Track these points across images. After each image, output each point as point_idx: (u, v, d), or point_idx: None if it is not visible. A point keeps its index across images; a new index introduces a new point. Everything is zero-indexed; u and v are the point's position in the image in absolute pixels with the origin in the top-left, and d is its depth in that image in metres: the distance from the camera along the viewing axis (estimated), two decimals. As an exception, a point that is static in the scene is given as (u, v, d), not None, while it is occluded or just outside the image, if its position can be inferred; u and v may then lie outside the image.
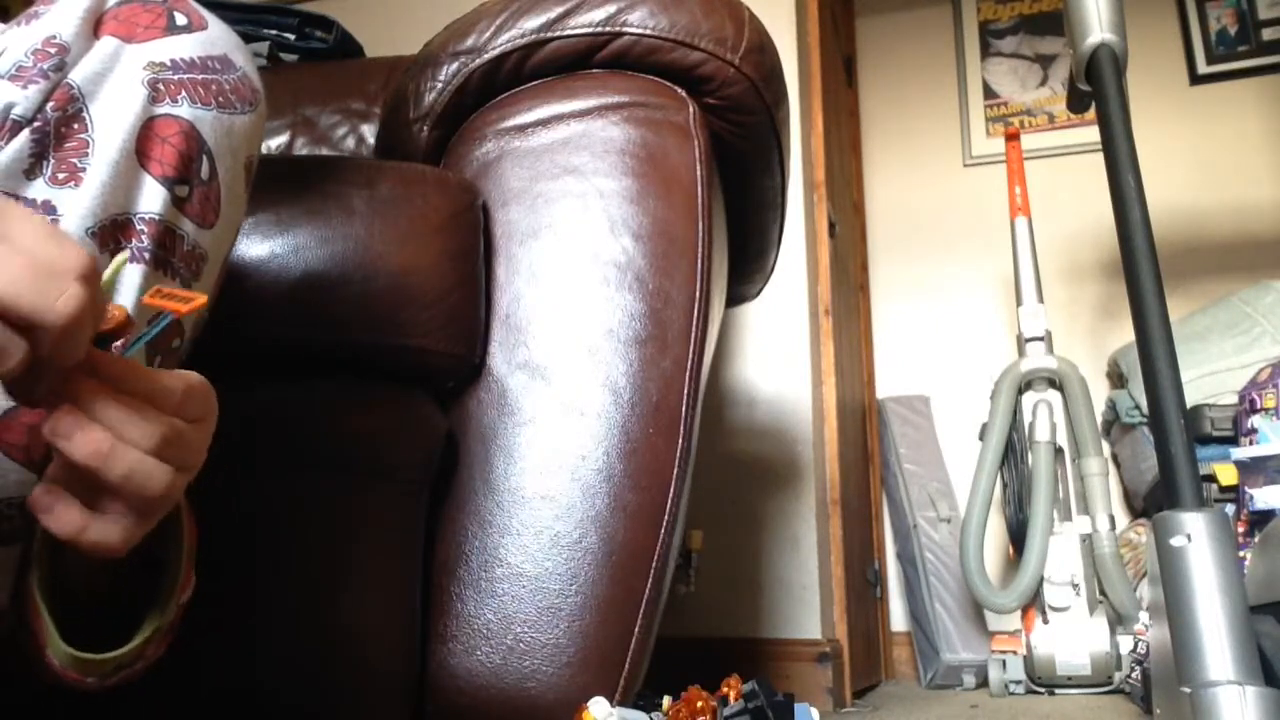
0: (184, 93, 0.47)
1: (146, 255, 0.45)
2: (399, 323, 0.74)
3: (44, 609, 0.42)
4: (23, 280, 0.32)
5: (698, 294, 0.82)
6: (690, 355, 0.81)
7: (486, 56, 0.88)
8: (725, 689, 0.67)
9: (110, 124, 0.44)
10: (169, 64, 0.46)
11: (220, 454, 0.67)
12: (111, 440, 0.36)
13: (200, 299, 0.39)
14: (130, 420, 0.37)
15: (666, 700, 0.67)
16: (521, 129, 0.87)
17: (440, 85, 0.89)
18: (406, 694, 0.75)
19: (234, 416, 0.67)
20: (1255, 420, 1.73)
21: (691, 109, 0.87)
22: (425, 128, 0.90)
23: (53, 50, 0.44)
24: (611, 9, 0.86)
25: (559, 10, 0.87)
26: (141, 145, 0.45)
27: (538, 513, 0.77)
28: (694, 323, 0.82)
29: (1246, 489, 1.65)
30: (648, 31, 0.86)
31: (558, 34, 0.87)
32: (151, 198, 0.45)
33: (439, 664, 0.75)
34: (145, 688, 0.66)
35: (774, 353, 1.79)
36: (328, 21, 1.76)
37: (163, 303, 0.38)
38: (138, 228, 0.45)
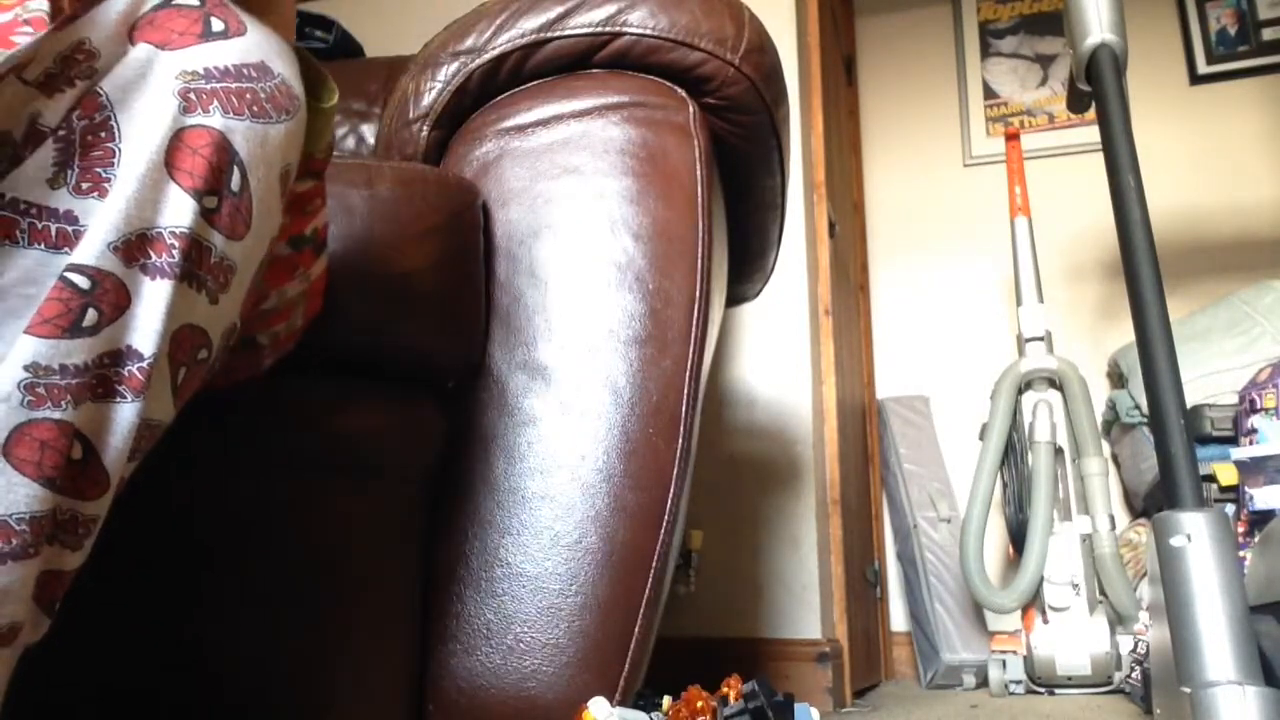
0: (216, 102, 0.46)
1: (176, 270, 0.44)
2: (399, 322, 0.74)
3: None
4: None
5: (698, 294, 0.82)
6: (690, 355, 0.81)
7: (486, 56, 0.88)
8: (725, 689, 0.67)
9: (139, 134, 0.43)
10: (202, 73, 0.46)
11: (219, 453, 0.67)
12: None
13: None
14: None
15: (666, 700, 0.67)
16: (521, 129, 0.87)
17: (440, 85, 0.89)
18: (407, 694, 0.75)
19: (232, 416, 0.67)
20: (1255, 420, 1.73)
21: (691, 109, 0.87)
22: (425, 128, 0.90)
23: (82, 57, 0.43)
24: (611, 9, 0.86)
25: (559, 10, 0.87)
26: (171, 157, 0.44)
27: (537, 513, 0.77)
28: (694, 323, 0.82)
29: (1246, 489, 1.65)
30: (648, 31, 0.86)
31: (558, 34, 0.87)
32: (180, 211, 0.44)
33: (439, 664, 0.75)
34: (141, 687, 0.66)
35: (774, 353, 1.79)
36: (327, 21, 1.76)
37: None
38: (168, 242, 0.44)
